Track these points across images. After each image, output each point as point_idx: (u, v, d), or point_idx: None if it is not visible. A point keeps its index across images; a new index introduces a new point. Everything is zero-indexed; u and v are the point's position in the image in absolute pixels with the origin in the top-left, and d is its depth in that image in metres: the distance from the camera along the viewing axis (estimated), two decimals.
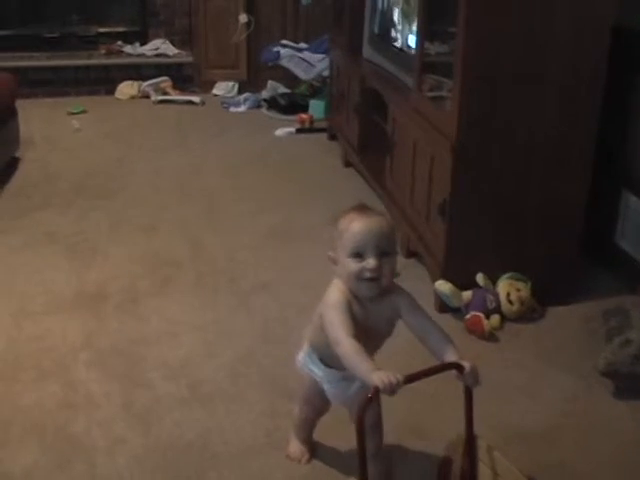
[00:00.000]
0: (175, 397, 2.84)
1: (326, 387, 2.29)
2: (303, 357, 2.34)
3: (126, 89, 6.97)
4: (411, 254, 3.76)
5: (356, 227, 2.05)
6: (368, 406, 1.91)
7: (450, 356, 2.05)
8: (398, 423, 2.62)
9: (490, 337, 3.25)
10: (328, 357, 2.19)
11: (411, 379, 1.90)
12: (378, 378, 1.86)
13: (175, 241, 4.11)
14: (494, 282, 3.40)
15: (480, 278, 3.37)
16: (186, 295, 3.57)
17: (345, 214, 2.11)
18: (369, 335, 2.11)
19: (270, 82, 6.95)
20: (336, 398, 2.32)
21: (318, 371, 2.28)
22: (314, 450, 2.55)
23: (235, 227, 4.30)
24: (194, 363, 3.05)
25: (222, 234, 4.20)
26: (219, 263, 3.88)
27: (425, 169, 3.58)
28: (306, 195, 4.76)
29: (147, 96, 6.87)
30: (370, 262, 2.04)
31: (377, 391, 1.86)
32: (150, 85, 6.92)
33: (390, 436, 2.51)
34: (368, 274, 2.04)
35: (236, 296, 3.57)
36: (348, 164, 5.21)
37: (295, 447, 2.53)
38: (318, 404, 2.42)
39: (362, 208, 2.13)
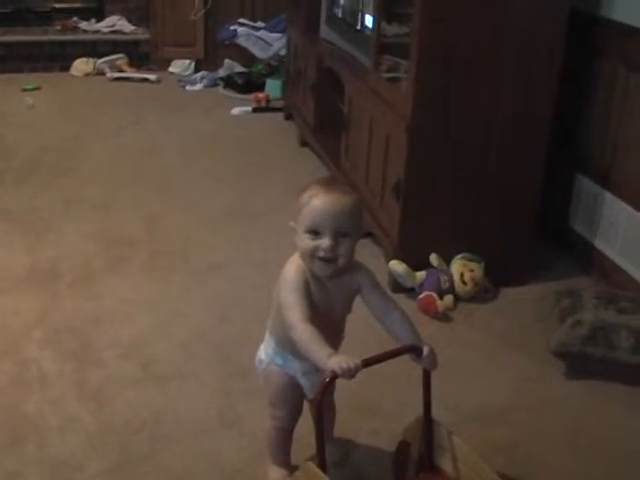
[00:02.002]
0: (128, 376, 2.82)
1: (302, 380, 2.17)
2: (268, 354, 2.19)
3: (81, 66, 6.88)
4: (366, 234, 3.75)
5: (316, 203, 1.95)
6: (326, 391, 1.89)
7: (409, 338, 2.03)
8: (355, 405, 2.62)
9: (443, 317, 3.26)
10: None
11: (369, 363, 1.86)
12: (335, 363, 1.81)
13: (129, 219, 4.07)
14: (448, 262, 3.41)
15: (434, 258, 3.37)
16: (140, 274, 3.53)
17: (310, 186, 2.00)
18: (328, 313, 2.06)
19: (227, 61, 6.90)
20: (313, 390, 2.11)
21: (291, 364, 2.15)
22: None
23: (190, 206, 4.27)
24: (148, 342, 3.03)
25: (177, 213, 4.17)
26: (174, 242, 3.85)
27: (380, 149, 3.57)
28: (262, 174, 4.74)
29: (102, 73, 6.79)
30: (325, 242, 1.95)
31: (334, 376, 1.84)
32: (106, 62, 6.84)
33: (347, 418, 2.51)
34: (322, 253, 1.96)
35: (190, 275, 3.54)
36: (304, 144, 5.19)
37: (275, 473, 2.33)
38: (292, 404, 2.23)
39: (329, 183, 2.04)
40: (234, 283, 3.48)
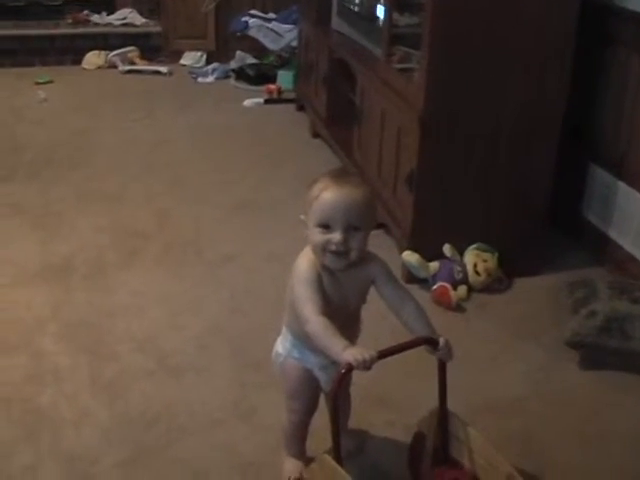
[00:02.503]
0: (142, 369, 2.83)
1: (319, 374, 2.17)
2: (285, 347, 2.19)
3: (93, 59, 6.89)
4: (378, 225, 3.75)
5: (327, 196, 1.94)
6: (342, 383, 1.89)
7: (424, 330, 2.03)
8: (370, 397, 2.63)
9: (457, 308, 3.26)
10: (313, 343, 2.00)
11: (384, 354, 1.87)
12: (351, 355, 1.82)
13: (142, 212, 4.08)
14: (461, 253, 3.41)
15: (447, 249, 3.37)
16: (153, 267, 3.54)
17: (321, 179, 1.99)
18: (343, 306, 2.06)
19: (238, 52, 6.90)
20: (330, 384, 2.06)
21: (308, 358, 2.15)
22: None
23: (202, 198, 4.27)
24: (161, 335, 3.03)
25: (189, 205, 4.17)
26: (186, 234, 3.85)
27: (393, 140, 3.57)
28: (274, 166, 4.74)
29: (114, 66, 6.80)
30: (336, 236, 1.94)
31: (350, 368, 1.84)
32: (117, 55, 6.85)
33: (362, 410, 2.52)
34: (333, 247, 1.95)
35: (203, 267, 3.55)
36: (316, 135, 5.19)
37: (290, 465, 2.34)
38: (308, 397, 2.23)
39: (339, 175, 2.02)
40: (247, 275, 3.48)
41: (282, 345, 2.22)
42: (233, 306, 3.24)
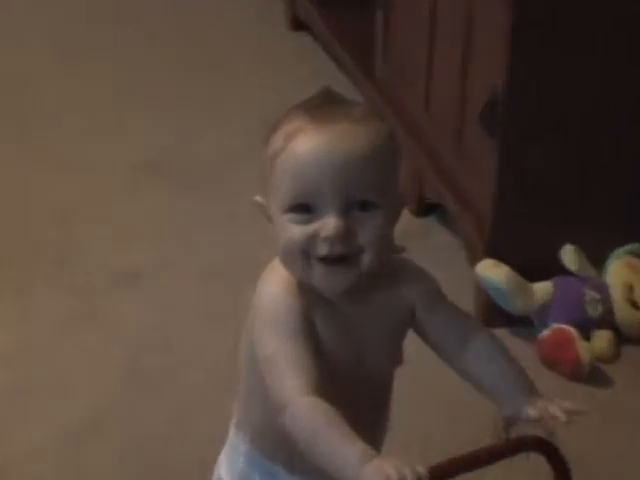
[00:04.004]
0: None
1: None
2: (237, 469, 2.14)
3: None
4: (427, 207, 3.73)
5: (302, 147, 1.84)
6: None
7: (515, 389, 1.94)
8: None
9: (593, 375, 3.24)
10: (291, 448, 1.88)
11: (444, 473, 1.80)
12: (378, 472, 1.71)
13: None
14: (599, 264, 3.39)
15: (569, 255, 3.34)
16: None
17: (290, 115, 1.90)
18: (354, 368, 1.99)
19: None
20: None
21: None
22: None
23: (73, 156, 4.28)
24: None
25: (45, 171, 4.17)
26: (41, 229, 3.85)
27: (455, 38, 3.57)
28: (216, 93, 4.77)
29: None
30: (329, 222, 1.84)
31: None
32: None
33: None
34: (324, 248, 1.87)
35: (75, 296, 3.53)
36: (299, 25, 5.26)
37: None
38: None
39: (324, 102, 1.93)
40: (159, 310, 3.48)
41: (230, 464, 2.17)
42: (134, 370, 3.23)
